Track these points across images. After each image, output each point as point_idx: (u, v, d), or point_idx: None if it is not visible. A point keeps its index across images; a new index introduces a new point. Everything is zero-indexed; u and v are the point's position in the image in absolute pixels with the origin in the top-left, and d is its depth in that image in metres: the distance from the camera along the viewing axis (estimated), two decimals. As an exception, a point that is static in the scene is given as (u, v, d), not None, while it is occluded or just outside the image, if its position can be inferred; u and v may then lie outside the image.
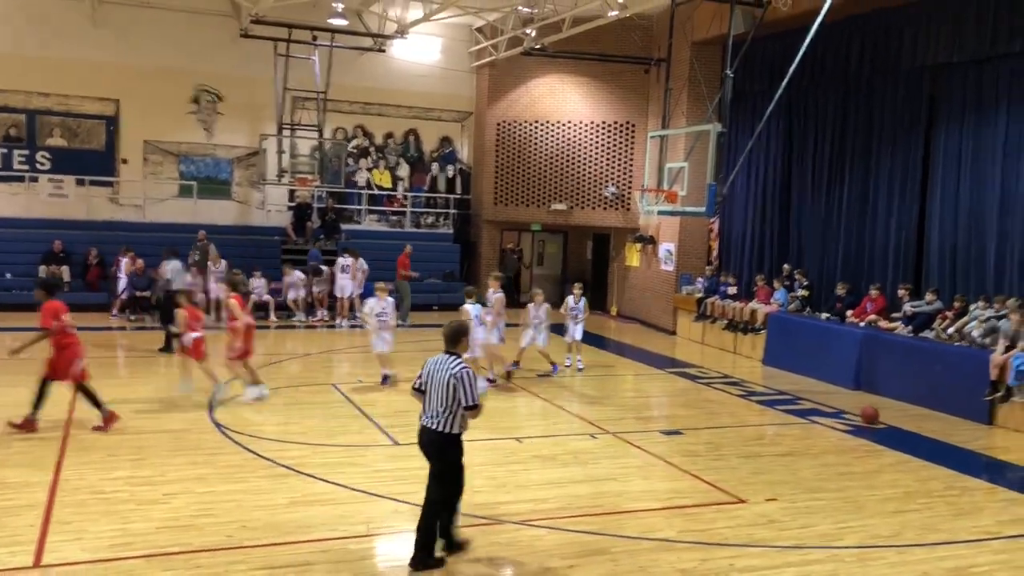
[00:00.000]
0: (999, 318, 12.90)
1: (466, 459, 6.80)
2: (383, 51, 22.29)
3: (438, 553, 6.68)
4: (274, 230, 22.39)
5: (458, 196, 24.77)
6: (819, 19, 13.89)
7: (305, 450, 9.65)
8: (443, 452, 6.62)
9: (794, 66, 14.35)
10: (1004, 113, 14.10)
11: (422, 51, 23.41)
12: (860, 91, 16.88)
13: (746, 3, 15.59)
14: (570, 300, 15.21)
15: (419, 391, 6.73)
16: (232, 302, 11.92)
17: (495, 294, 13.75)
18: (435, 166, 24.62)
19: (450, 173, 24.78)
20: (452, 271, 23.30)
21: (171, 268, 16.45)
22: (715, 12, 17.47)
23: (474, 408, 6.51)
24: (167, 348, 14.72)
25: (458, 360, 6.61)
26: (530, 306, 14.54)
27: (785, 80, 14.43)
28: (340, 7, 19.77)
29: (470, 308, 12.65)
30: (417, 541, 6.60)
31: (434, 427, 6.57)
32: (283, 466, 8.98)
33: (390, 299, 13.26)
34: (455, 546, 6.83)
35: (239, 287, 12.54)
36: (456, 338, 6.74)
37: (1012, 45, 13.70)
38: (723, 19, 16.21)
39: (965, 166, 14.79)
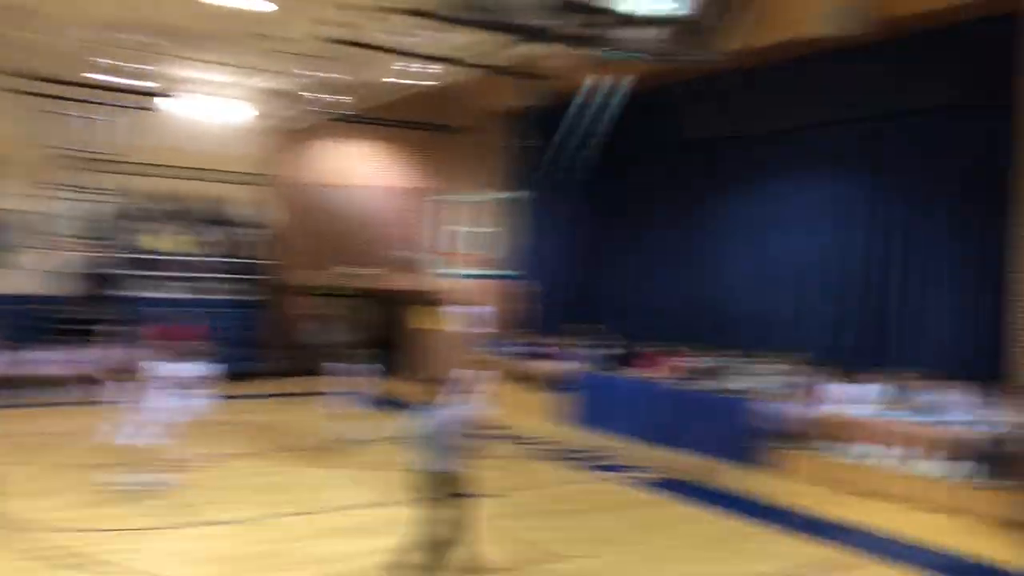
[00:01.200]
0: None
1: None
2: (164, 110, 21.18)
3: None
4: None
5: (252, 260, 23.67)
6: (604, 96, 14.43)
7: None
8: None
9: (584, 137, 14.78)
10: (775, 184, 15.32)
11: (211, 111, 22.42)
12: (653, 159, 17.78)
13: (531, 76, 15.96)
14: None
15: None
16: None
17: None
18: (225, 230, 23.45)
19: (242, 237, 23.69)
20: (248, 337, 22.13)
21: None
22: (507, 84, 17.91)
23: None
24: None
25: None
26: None
27: (584, 151, 14.82)
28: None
29: None
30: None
31: None
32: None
33: None
34: None
35: None
36: None
37: (779, 123, 14.95)
38: (516, 91, 16.58)
39: (748, 232, 15.90)
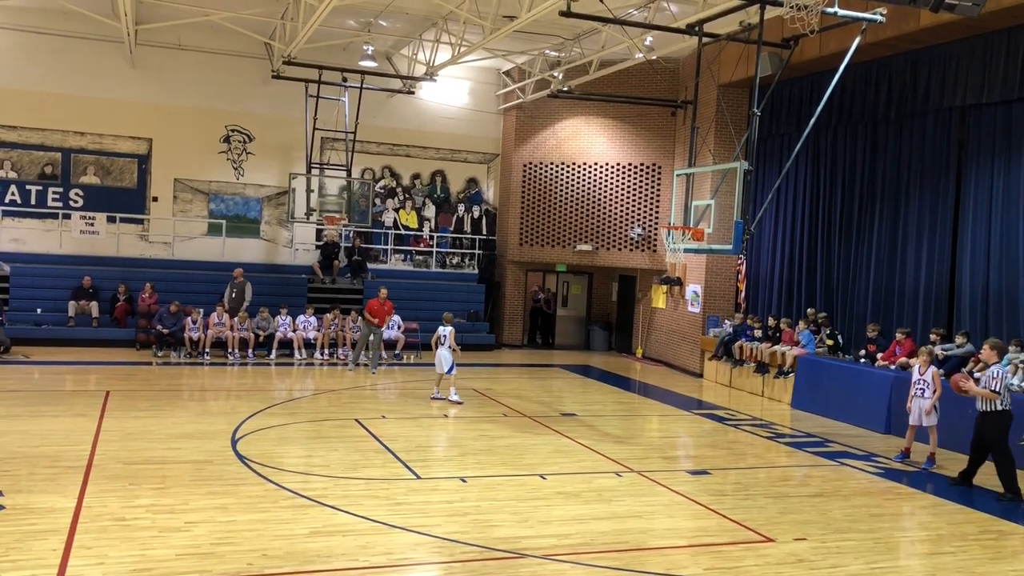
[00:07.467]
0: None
1: (488, 493, 6.70)
2: (412, 93, 22.63)
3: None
4: (301, 268, 22.57)
5: (483, 236, 24.88)
6: (846, 60, 13.91)
7: (327, 482, 9.59)
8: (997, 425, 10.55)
9: (821, 107, 14.34)
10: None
11: (450, 93, 23.72)
12: (888, 133, 16.84)
13: (773, 45, 15.65)
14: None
15: None
16: None
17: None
18: (461, 207, 24.78)
19: (476, 214, 24.92)
20: (477, 311, 23.30)
21: None
22: (741, 54, 17.56)
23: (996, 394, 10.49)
24: None
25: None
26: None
27: (812, 120, 14.42)
28: (370, 50, 20.15)
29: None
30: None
31: (987, 410, 10.52)
32: (305, 497, 8.92)
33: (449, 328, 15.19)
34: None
35: None
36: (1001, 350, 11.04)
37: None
38: (750, 61, 16.26)
39: (996, 208, 14.63)
